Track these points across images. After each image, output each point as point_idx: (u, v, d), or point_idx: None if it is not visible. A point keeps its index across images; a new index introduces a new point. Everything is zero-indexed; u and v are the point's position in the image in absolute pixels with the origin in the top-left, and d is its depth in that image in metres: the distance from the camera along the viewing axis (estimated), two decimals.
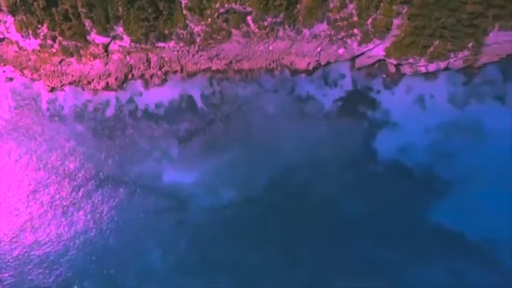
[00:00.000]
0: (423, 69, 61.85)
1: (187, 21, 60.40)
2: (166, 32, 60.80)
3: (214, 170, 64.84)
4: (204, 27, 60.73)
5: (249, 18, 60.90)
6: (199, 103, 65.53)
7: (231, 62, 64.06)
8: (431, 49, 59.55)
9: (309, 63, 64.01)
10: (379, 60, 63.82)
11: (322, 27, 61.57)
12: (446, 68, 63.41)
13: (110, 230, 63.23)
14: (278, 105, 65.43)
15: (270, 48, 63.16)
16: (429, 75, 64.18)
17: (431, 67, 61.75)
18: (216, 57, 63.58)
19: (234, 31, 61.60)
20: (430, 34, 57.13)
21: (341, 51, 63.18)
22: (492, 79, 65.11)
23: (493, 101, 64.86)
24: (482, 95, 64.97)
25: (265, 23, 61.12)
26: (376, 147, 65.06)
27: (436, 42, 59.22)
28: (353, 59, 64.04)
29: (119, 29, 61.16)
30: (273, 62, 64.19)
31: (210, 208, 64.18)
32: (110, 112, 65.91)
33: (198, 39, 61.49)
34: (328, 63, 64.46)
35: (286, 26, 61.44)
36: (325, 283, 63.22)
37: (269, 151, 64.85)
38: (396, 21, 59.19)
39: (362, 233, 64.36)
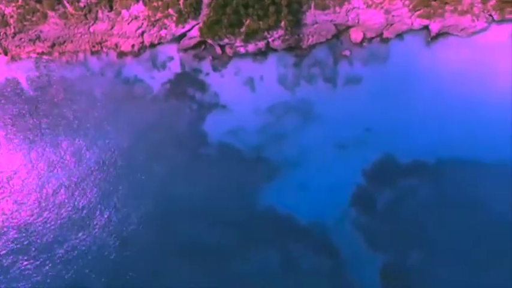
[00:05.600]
0: (242, 50, 60.71)
1: None
2: None
3: (41, 155, 63.98)
4: (15, 8, 59.65)
5: None
6: (26, 86, 64.32)
7: (54, 44, 62.96)
8: (243, 29, 58.50)
9: (133, 45, 62.86)
10: (203, 42, 62.85)
11: (139, 8, 60.51)
12: (271, 49, 62.41)
13: None
14: (105, 88, 64.04)
15: (91, 30, 62.00)
16: (258, 57, 63.39)
17: (251, 47, 60.62)
18: (37, 40, 62.52)
19: (49, 12, 60.47)
20: (233, 12, 55.98)
21: (163, 32, 62.06)
22: (321, 60, 64.19)
23: (322, 82, 64.10)
24: (312, 77, 64.08)
25: (82, 4, 60.06)
26: (206, 130, 64.04)
27: (248, 22, 58.22)
28: (178, 40, 63.14)
29: None
30: (97, 44, 63.05)
31: (36, 192, 63.44)
32: None
33: (11, 21, 60.46)
34: (154, 44, 63.33)
35: (104, 7, 60.48)
36: (157, 269, 62.81)
37: (97, 135, 63.93)
38: (206, 1, 58.19)
39: (193, 217, 63.76)
